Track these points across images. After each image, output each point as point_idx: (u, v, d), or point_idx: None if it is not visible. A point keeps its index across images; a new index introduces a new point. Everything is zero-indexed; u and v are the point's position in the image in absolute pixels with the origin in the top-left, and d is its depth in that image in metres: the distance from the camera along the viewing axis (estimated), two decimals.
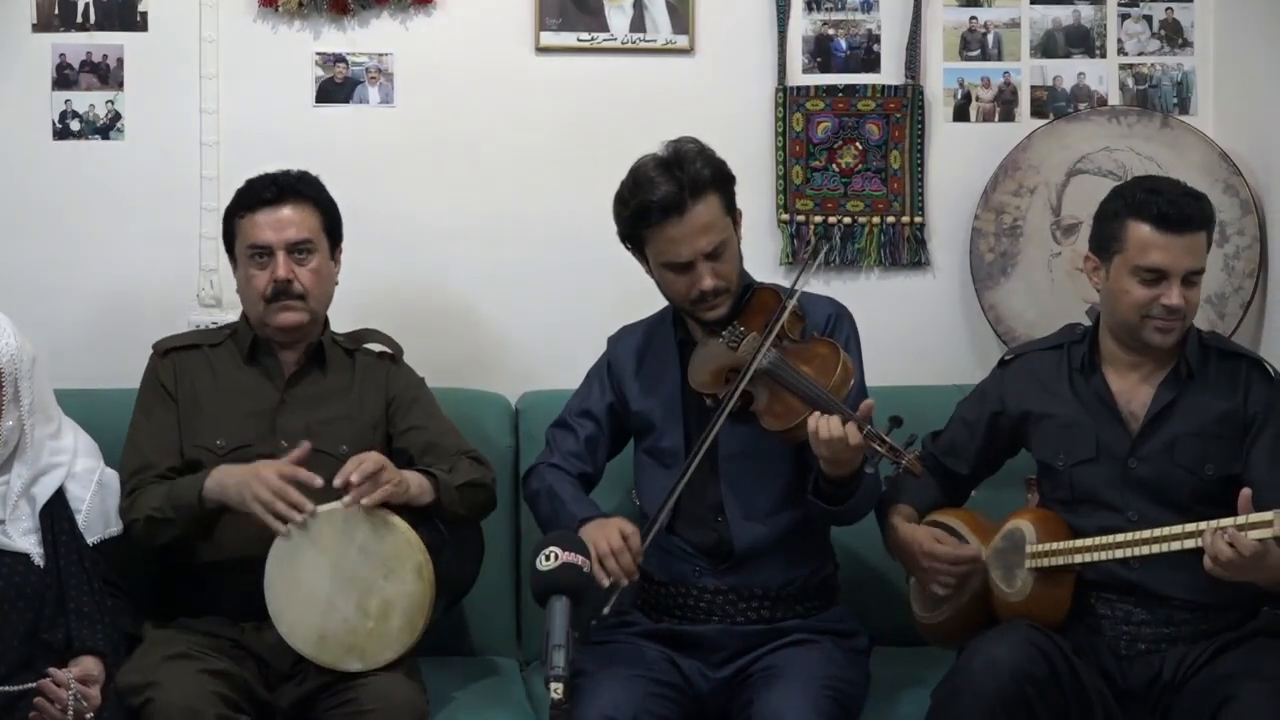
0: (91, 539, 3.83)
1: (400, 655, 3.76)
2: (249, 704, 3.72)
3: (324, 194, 4.10)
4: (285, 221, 4.01)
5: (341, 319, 4.20)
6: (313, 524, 3.75)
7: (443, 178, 4.75)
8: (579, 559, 3.17)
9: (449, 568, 3.86)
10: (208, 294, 4.64)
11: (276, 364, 4.08)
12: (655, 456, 3.98)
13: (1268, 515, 3.46)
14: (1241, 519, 3.50)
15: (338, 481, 3.72)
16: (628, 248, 3.95)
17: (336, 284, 4.14)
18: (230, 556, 3.86)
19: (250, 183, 4.09)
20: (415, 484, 3.83)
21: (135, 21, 4.64)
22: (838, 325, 3.97)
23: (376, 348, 4.17)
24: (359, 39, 4.72)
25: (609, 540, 3.73)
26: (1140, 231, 3.79)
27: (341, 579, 3.75)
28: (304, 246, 4.01)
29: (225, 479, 3.79)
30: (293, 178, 4.07)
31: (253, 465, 3.79)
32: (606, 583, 3.71)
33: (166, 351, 4.11)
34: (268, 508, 3.72)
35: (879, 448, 3.61)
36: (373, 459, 3.76)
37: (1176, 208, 3.77)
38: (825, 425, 3.62)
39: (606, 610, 3.75)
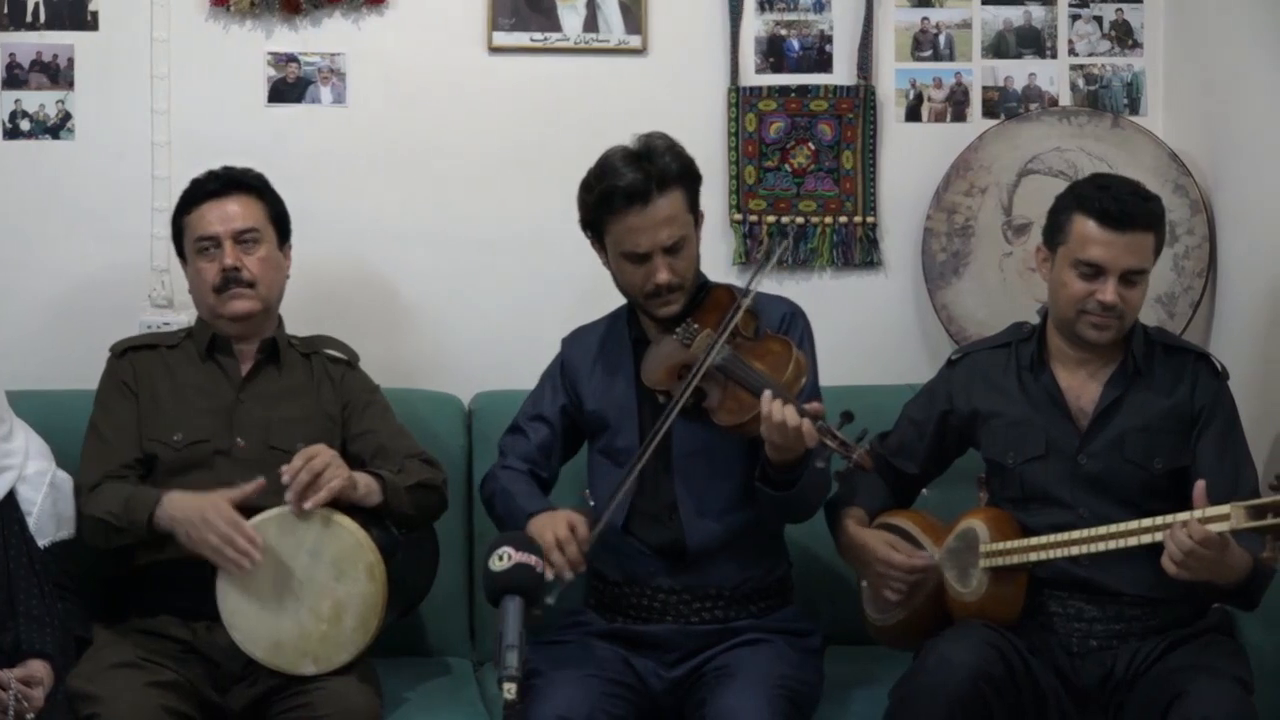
0: (42, 542, 3.80)
1: (355, 657, 3.75)
2: (199, 710, 3.71)
3: (269, 187, 4.13)
4: (230, 213, 4.04)
5: (294, 319, 4.19)
6: (262, 529, 3.74)
7: (395, 177, 4.74)
8: (532, 559, 3.18)
9: (403, 574, 3.86)
10: (159, 294, 4.62)
11: (233, 362, 4.07)
12: (610, 456, 3.98)
13: (1225, 509, 3.49)
14: (1199, 513, 3.52)
15: (285, 478, 3.72)
16: (587, 235, 3.95)
17: (288, 277, 4.13)
18: (181, 557, 3.82)
19: (194, 180, 4.11)
20: (363, 484, 3.82)
21: (86, 21, 4.61)
22: (792, 325, 3.98)
23: (333, 353, 4.16)
24: (311, 38, 4.70)
25: (555, 532, 3.73)
26: (1083, 225, 3.81)
27: (293, 583, 3.74)
28: (250, 235, 4.03)
29: (175, 513, 3.77)
30: (236, 171, 4.10)
31: (198, 503, 3.76)
32: (551, 576, 3.70)
33: (124, 352, 4.10)
34: (218, 553, 3.71)
35: (830, 442, 3.62)
36: (322, 456, 3.76)
37: (1120, 205, 3.79)
38: (778, 409, 3.63)
39: (551, 601, 3.71)
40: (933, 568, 3.86)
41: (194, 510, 3.75)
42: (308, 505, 3.72)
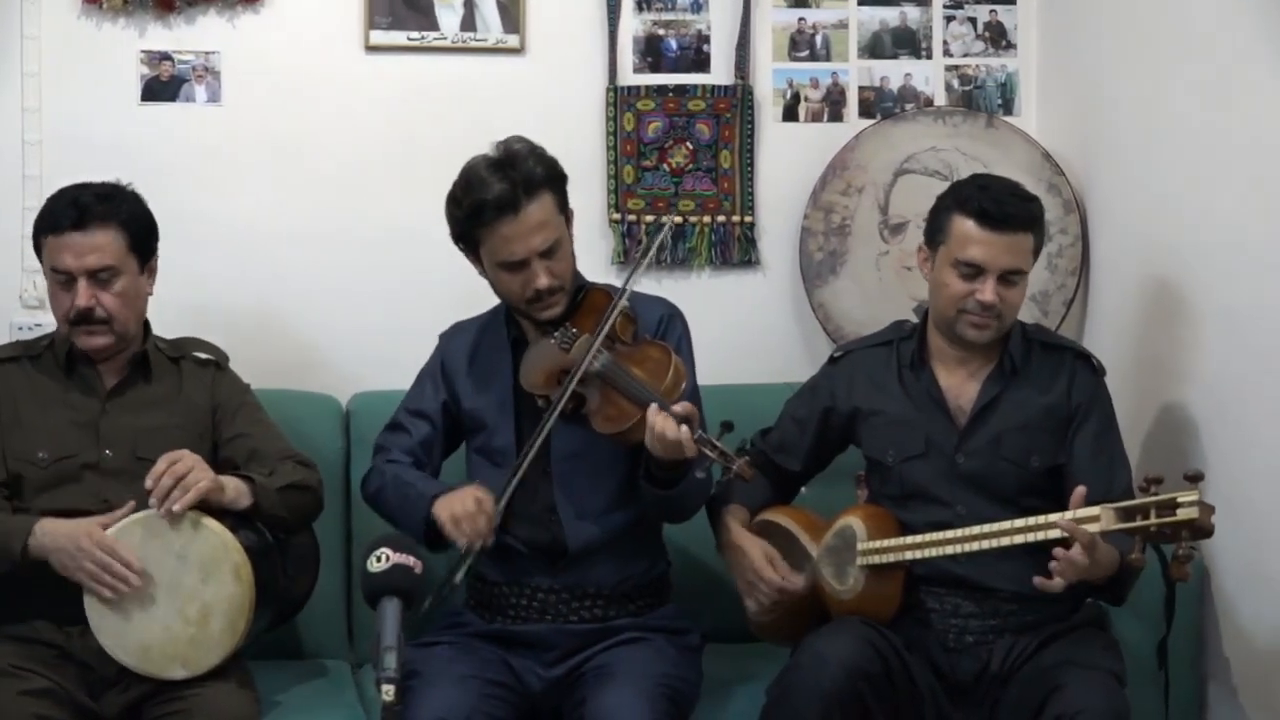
0: None
1: (224, 659, 3.71)
2: (74, 718, 3.66)
3: (130, 209, 3.93)
4: (86, 247, 3.84)
5: (168, 321, 4.12)
6: (128, 533, 3.70)
7: (271, 177, 4.70)
8: (410, 560, 3.17)
9: (283, 581, 3.83)
10: (30, 294, 4.56)
11: (96, 373, 3.97)
12: (487, 455, 3.97)
13: (1095, 510, 3.55)
14: (1070, 514, 3.58)
15: (148, 483, 3.68)
16: (460, 249, 3.94)
17: (150, 294, 4.01)
18: None
19: (53, 201, 3.92)
20: (231, 487, 3.77)
21: None
22: (670, 326, 3.99)
23: (201, 355, 4.08)
24: (185, 37, 4.66)
25: (463, 504, 3.74)
26: (963, 225, 3.85)
27: (160, 586, 3.69)
28: (106, 274, 3.86)
29: (47, 543, 3.69)
30: (94, 197, 3.88)
31: (71, 530, 3.69)
32: (462, 544, 3.72)
33: None
34: (94, 579, 3.66)
35: (710, 453, 3.63)
36: (185, 461, 3.71)
37: (999, 206, 3.83)
38: (660, 420, 3.64)
39: (459, 577, 3.74)
40: (801, 592, 3.88)
41: (66, 539, 3.68)
42: (176, 508, 3.67)
